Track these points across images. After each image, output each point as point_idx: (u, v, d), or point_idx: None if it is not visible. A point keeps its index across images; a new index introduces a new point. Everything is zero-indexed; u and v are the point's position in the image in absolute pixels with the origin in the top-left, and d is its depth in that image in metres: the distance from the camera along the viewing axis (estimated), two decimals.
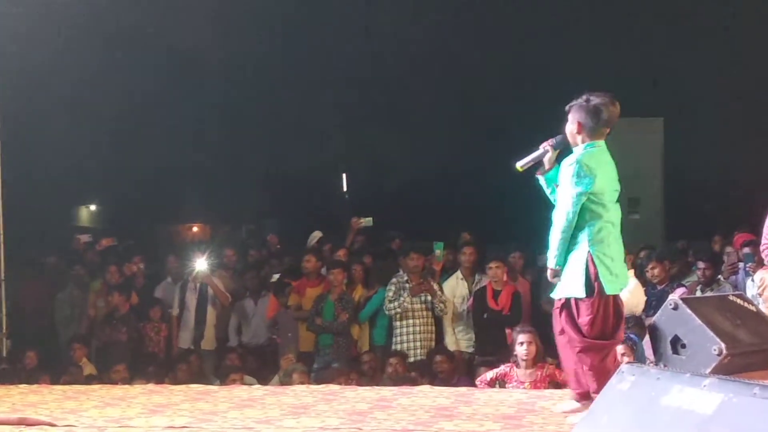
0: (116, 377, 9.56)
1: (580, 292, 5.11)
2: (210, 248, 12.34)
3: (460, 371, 9.56)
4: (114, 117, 20.28)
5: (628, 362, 6.38)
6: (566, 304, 5.21)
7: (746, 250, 9.87)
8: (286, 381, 9.14)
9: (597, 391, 5.09)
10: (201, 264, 11.40)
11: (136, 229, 20.58)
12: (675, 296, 7.45)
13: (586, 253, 5.10)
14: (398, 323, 10.05)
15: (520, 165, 5.38)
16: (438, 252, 10.75)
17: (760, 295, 7.72)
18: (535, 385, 7.48)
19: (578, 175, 5.08)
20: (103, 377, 9.71)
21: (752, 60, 18.78)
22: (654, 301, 8.33)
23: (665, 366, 6.58)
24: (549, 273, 5.26)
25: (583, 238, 5.14)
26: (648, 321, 7.18)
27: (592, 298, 5.09)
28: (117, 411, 6.01)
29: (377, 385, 8.31)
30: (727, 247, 10.80)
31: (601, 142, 5.30)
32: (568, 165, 5.19)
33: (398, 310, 10.00)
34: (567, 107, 5.34)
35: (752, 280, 8.41)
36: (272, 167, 23.68)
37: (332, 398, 6.37)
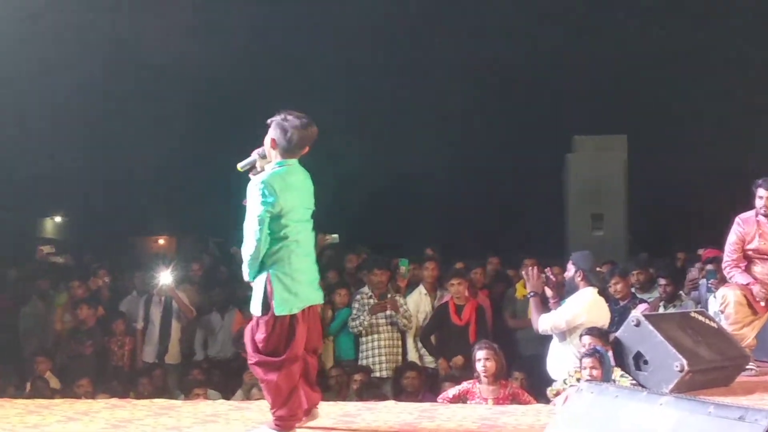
0: (80, 391, 9.50)
1: (257, 310, 5.21)
2: (175, 261, 12.30)
3: (424, 387, 9.56)
4: (81, 127, 20.21)
5: (590, 376, 6.48)
6: (251, 320, 5.33)
7: (709, 266, 9.97)
8: (249, 396, 9.14)
9: (273, 406, 5.26)
10: (166, 277, 11.36)
11: (102, 240, 20.46)
12: (637, 312, 7.53)
13: (265, 273, 5.19)
14: (364, 338, 10.07)
15: (239, 166, 5.56)
16: (403, 268, 10.79)
17: (722, 311, 7.81)
18: (497, 402, 7.45)
19: (262, 195, 5.13)
20: (66, 391, 9.64)
21: (715, 77, 18.99)
22: (617, 317, 8.37)
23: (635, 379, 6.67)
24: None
25: (264, 257, 5.21)
26: (611, 336, 7.23)
27: (267, 316, 5.17)
28: (80, 426, 5.98)
29: (343, 400, 8.32)
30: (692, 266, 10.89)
31: (293, 161, 5.34)
32: (254, 185, 5.24)
33: (360, 328, 10.03)
34: (268, 121, 5.38)
35: (714, 297, 8.49)
36: (240, 180, 23.64)
37: None
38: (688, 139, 19.32)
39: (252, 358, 5.27)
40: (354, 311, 10.16)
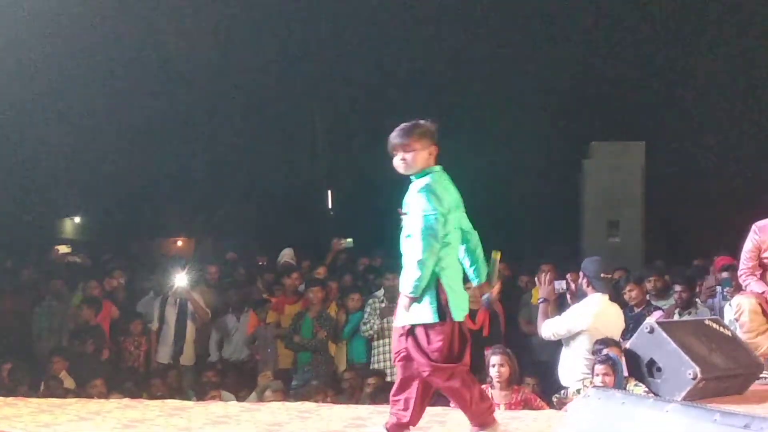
0: (94, 392, 9.52)
1: (430, 317, 5.05)
2: (191, 263, 12.35)
3: (437, 392, 9.52)
4: (99, 129, 20.29)
5: (603, 383, 6.46)
6: (411, 331, 5.12)
7: (724, 274, 9.92)
8: (262, 398, 9.16)
9: (465, 409, 5.17)
10: (181, 279, 11.40)
11: (120, 241, 20.54)
12: (651, 320, 7.51)
13: (435, 279, 5.06)
14: (376, 342, 10.09)
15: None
16: None
17: (737, 320, 7.76)
18: (509, 407, 7.43)
19: (432, 201, 5.04)
20: (80, 391, 9.66)
21: (735, 85, 18.93)
22: (631, 324, 8.35)
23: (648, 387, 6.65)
24: (406, 302, 5.08)
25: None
26: (625, 344, 7.21)
27: (444, 323, 5.05)
28: (91, 425, 6.00)
29: (356, 403, 8.32)
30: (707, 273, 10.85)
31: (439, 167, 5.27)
32: (418, 192, 5.10)
33: (370, 332, 10.05)
34: (416, 133, 5.20)
35: (729, 305, 8.44)
36: (258, 183, 23.69)
37: (307, 416, 6.36)
38: (705, 146, 19.27)
39: (427, 368, 5.08)
40: (366, 315, 10.19)
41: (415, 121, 5.27)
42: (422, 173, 5.18)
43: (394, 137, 5.23)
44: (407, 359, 5.20)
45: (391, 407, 5.31)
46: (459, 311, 5.12)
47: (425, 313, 5.06)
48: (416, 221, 5.06)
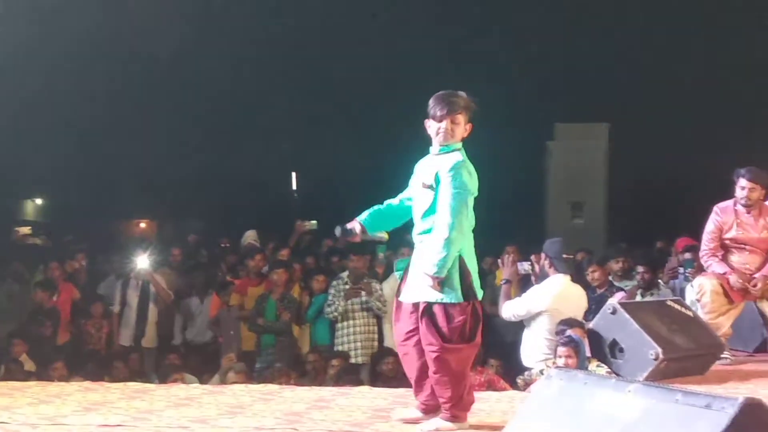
0: (55, 374, 9.43)
1: (454, 296, 4.89)
2: (154, 245, 12.28)
3: (402, 372, 9.53)
4: (62, 111, 20.12)
5: (565, 365, 6.48)
6: (428, 309, 4.94)
7: (687, 255, 10.01)
8: (225, 380, 9.12)
9: (452, 398, 4.95)
10: (143, 261, 11.32)
11: (82, 223, 20.38)
12: (614, 300, 7.56)
13: (458, 258, 4.91)
14: (340, 324, 10.06)
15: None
16: (381, 255, 10.79)
17: (699, 300, 7.82)
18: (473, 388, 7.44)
19: (468, 179, 4.91)
20: (41, 374, 9.57)
21: (698, 68, 19.04)
22: (594, 305, 8.39)
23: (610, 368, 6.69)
24: (431, 282, 4.86)
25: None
26: (588, 325, 7.24)
27: (466, 301, 4.91)
28: (51, 408, 5.93)
29: (320, 385, 8.31)
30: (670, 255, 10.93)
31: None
32: (453, 166, 4.90)
33: (335, 314, 10.02)
34: (465, 106, 5.01)
35: (691, 286, 8.51)
36: (221, 164, 23.59)
37: (270, 398, 6.34)
38: (669, 128, 19.38)
39: (439, 350, 4.87)
40: (330, 297, 10.16)
41: (460, 92, 5.05)
42: (451, 147, 5.00)
43: (443, 105, 4.98)
44: (409, 340, 5.08)
45: (437, 389, 5.03)
46: (479, 289, 5.01)
47: (450, 292, 4.90)
48: (448, 198, 4.87)
